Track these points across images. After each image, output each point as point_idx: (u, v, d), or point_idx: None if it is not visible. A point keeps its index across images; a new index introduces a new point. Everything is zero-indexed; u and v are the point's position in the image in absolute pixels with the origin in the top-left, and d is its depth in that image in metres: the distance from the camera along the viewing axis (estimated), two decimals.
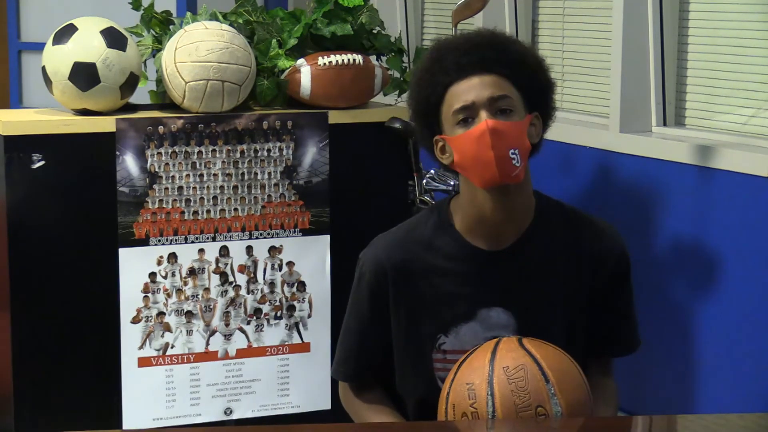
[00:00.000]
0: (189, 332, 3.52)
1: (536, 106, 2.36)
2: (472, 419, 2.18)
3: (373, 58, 3.71)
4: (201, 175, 3.49)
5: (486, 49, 2.32)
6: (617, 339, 2.47)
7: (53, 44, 3.39)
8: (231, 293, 3.55)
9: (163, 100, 3.57)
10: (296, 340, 3.63)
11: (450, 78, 2.31)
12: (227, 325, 3.56)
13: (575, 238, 2.40)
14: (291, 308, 3.62)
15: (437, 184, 4.00)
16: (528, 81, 2.33)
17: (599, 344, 2.45)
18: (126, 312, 3.46)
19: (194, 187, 3.49)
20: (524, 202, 2.37)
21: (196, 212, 3.50)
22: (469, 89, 2.29)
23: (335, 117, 3.61)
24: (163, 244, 3.47)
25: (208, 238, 3.51)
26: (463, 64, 2.31)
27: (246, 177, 3.53)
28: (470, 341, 2.36)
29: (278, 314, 3.61)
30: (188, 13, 3.63)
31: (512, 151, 2.27)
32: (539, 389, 2.18)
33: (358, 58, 3.61)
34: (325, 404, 3.66)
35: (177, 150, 3.46)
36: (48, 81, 3.40)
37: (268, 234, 3.57)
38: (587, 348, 2.43)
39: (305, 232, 3.61)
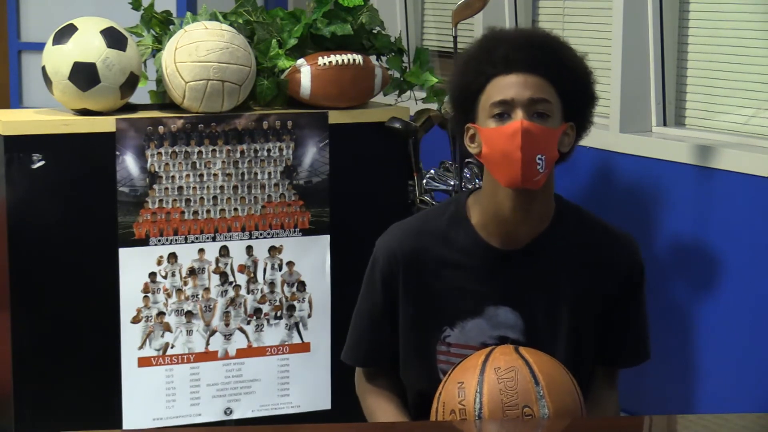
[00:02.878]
0: (189, 332, 3.52)
1: (574, 116, 2.34)
2: (459, 417, 2.18)
3: (373, 58, 3.71)
4: (201, 175, 3.49)
5: (537, 49, 2.30)
6: (625, 349, 2.45)
7: (53, 44, 3.39)
8: (231, 293, 3.55)
9: (163, 100, 3.58)
10: (296, 340, 3.63)
11: (495, 70, 2.29)
12: (227, 325, 3.56)
13: (589, 244, 2.39)
14: (291, 308, 3.62)
15: (437, 184, 3.99)
16: (571, 91, 2.32)
17: (607, 353, 2.43)
18: (126, 312, 3.45)
19: (194, 187, 3.49)
20: (543, 207, 2.36)
21: (196, 212, 3.50)
22: (512, 85, 2.27)
23: (335, 117, 3.61)
24: (163, 244, 3.47)
25: (208, 238, 3.51)
26: (512, 59, 2.28)
27: (246, 177, 3.53)
28: (475, 337, 2.36)
29: (278, 314, 3.61)
30: (188, 13, 3.63)
31: (539, 156, 2.26)
32: (528, 390, 2.18)
33: (358, 58, 3.61)
34: (325, 404, 3.66)
35: (177, 150, 3.46)
36: (48, 81, 3.40)
37: (268, 234, 3.57)
38: (595, 355, 2.42)
39: (305, 232, 3.61)
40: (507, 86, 2.27)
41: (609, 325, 2.41)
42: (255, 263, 3.57)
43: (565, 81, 2.30)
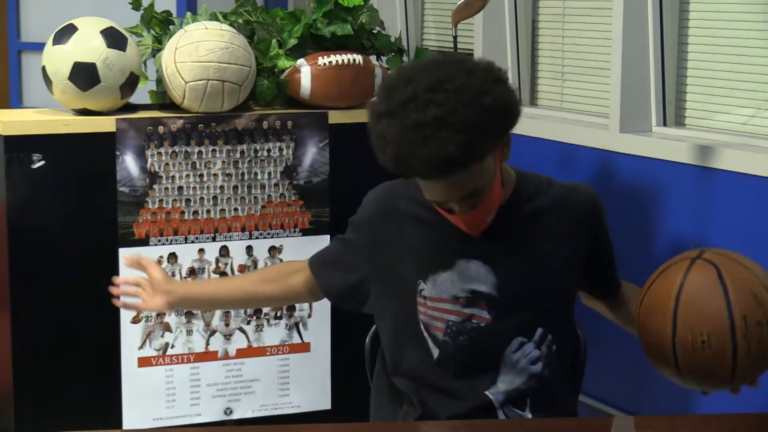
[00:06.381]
0: (189, 332, 3.52)
1: (503, 136, 2.30)
2: None
3: (373, 58, 3.71)
4: (201, 175, 3.49)
5: (435, 152, 2.18)
6: (609, 284, 2.59)
7: (53, 44, 3.39)
8: None
9: (163, 100, 3.57)
10: (296, 340, 3.63)
11: (411, 174, 2.28)
12: (227, 324, 3.56)
13: (552, 198, 2.47)
14: (291, 308, 3.62)
15: None
16: (487, 141, 2.24)
17: (605, 287, 2.58)
18: (126, 312, 3.45)
19: (194, 187, 3.49)
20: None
21: (196, 212, 3.50)
22: (438, 190, 2.30)
23: (335, 117, 3.61)
24: (163, 244, 3.47)
25: (208, 238, 3.51)
26: (423, 172, 2.24)
27: (246, 177, 3.53)
28: (446, 290, 2.41)
29: (278, 314, 3.61)
30: (188, 13, 3.63)
31: (488, 216, 2.37)
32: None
33: (358, 58, 3.61)
34: (325, 404, 3.66)
35: (177, 150, 3.46)
36: (48, 81, 3.40)
37: (268, 234, 3.57)
38: (597, 296, 2.58)
39: (305, 232, 3.61)
40: (434, 191, 2.30)
41: (593, 270, 2.53)
42: (255, 263, 3.56)
43: (476, 151, 2.22)
